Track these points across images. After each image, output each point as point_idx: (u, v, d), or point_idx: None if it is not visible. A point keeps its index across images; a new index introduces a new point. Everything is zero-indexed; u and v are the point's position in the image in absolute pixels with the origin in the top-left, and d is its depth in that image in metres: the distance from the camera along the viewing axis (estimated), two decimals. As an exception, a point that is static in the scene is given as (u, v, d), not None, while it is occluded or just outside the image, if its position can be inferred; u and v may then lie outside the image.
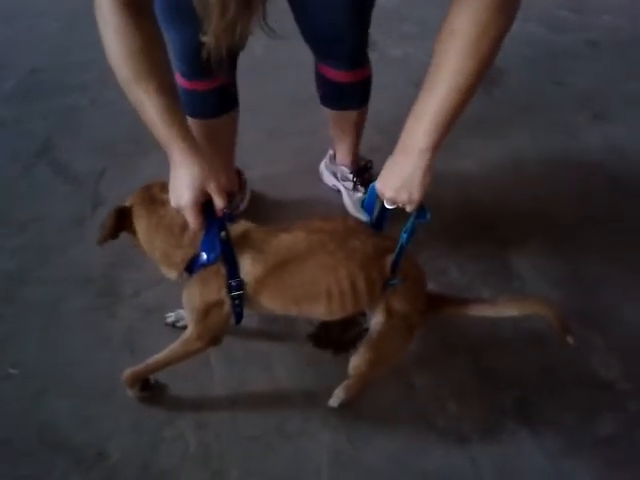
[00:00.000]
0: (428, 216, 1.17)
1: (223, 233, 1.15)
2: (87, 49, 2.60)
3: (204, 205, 1.13)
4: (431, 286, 1.70)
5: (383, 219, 1.27)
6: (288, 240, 1.22)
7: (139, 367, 1.42)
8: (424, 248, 1.91)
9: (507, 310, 1.40)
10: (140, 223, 1.23)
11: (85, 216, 1.94)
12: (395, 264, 1.22)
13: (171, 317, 1.64)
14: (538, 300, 1.42)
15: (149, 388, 1.49)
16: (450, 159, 2.31)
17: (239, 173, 1.98)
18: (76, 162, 2.13)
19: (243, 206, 1.97)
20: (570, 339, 1.30)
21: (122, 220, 1.23)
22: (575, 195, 2.23)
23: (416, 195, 1.12)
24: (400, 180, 1.12)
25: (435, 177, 2.18)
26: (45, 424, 1.44)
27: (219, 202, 1.11)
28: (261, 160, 2.19)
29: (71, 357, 1.58)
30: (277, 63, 2.65)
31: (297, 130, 2.35)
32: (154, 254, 1.25)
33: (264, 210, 2.00)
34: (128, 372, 1.44)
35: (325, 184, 2.14)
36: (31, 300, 1.69)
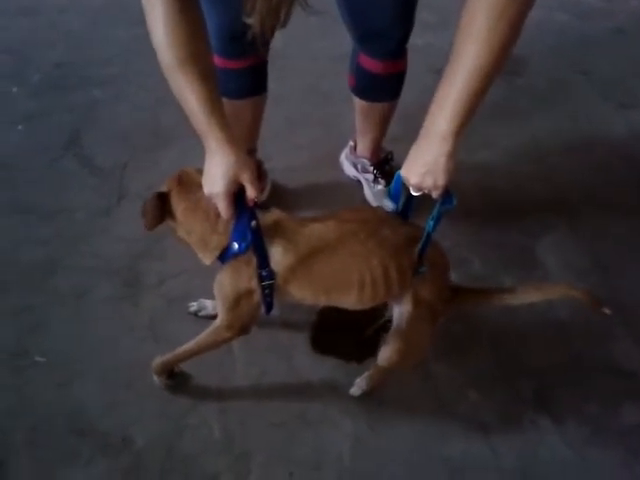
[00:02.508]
0: (454, 202, 1.17)
1: (254, 223, 1.16)
2: (110, 44, 2.67)
3: (236, 194, 1.14)
4: (453, 276, 1.71)
5: (410, 207, 1.28)
6: (319, 230, 1.23)
7: (168, 356, 1.45)
8: (445, 238, 1.90)
9: (529, 297, 1.39)
10: (178, 207, 1.23)
11: (110, 207, 1.97)
12: (422, 251, 1.23)
13: (194, 306, 1.66)
14: (562, 284, 1.41)
15: (174, 376, 1.52)
16: (471, 148, 2.29)
17: (259, 164, 1.99)
18: (101, 154, 2.16)
19: (264, 197, 1.98)
20: (607, 310, 1.30)
21: (163, 205, 1.23)
22: (598, 184, 2.20)
23: (441, 180, 1.12)
24: (424, 166, 1.12)
25: (456, 164, 2.18)
26: (71, 411, 1.48)
27: (251, 192, 1.13)
28: (282, 151, 2.20)
29: (97, 345, 1.61)
30: (296, 55, 2.65)
31: (317, 121, 2.35)
32: (191, 238, 1.25)
33: (285, 201, 2.01)
34: (158, 361, 1.46)
35: (346, 175, 2.14)
36: (58, 290, 1.73)
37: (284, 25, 1.32)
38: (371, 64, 1.68)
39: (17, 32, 2.76)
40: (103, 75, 2.50)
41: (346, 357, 1.61)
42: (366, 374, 1.51)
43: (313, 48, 2.75)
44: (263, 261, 1.20)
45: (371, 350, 1.56)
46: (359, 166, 2.05)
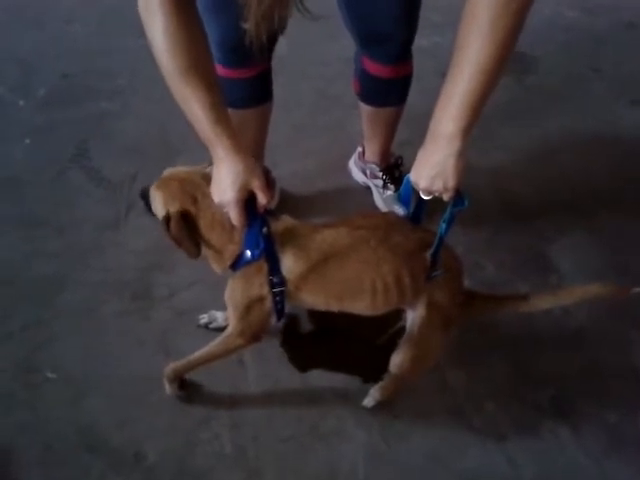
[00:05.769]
0: (467, 203, 1.15)
1: (265, 229, 1.15)
2: (116, 54, 2.67)
3: (247, 202, 1.13)
4: (467, 282, 1.68)
5: (421, 211, 1.26)
6: (330, 236, 1.22)
7: (180, 363, 1.44)
8: (458, 243, 1.88)
9: (545, 302, 1.37)
10: (199, 223, 1.20)
11: (119, 220, 1.96)
12: (435, 255, 1.21)
13: (204, 319, 1.65)
14: (577, 287, 1.37)
15: (186, 387, 1.51)
16: (482, 149, 2.26)
17: (267, 171, 1.97)
18: (109, 166, 2.16)
19: (273, 204, 1.97)
20: (636, 288, 1.28)
21: (187, 225, 1.19)
22: (612, 183, 2.16)
23: (451, 182, 1.10)
24: (433, 169, 1.10)
25: (468, 167, 2.15)
26: (83, 427, 1.47)
27: (262, 199, 1.12)
28: (290, 157, 2.18)
29: (107, 360, 1.60)
30: (302, 61, 2.63)
31: (325, 127, 2.33)
32: (208, 250, 1.23)
33: (294, 207, 1.99)
34: (170, 368, 1.46)
35: (355, 181, 2.12)
36: (68, 304, 1.72)
37: (282, 30, 1.31)
38: (376, 68, 1.66)
39: (23, 44, 2.77)
40: (110, 86, 2.49)
41: (360, 370, 1.59)
42: (380, 384, 1.48)
43: (321, 52, 2.72)
44: (275, 268, 1.19)
45: (386, 359, 1.54)
46: (368, 172, 2.03)
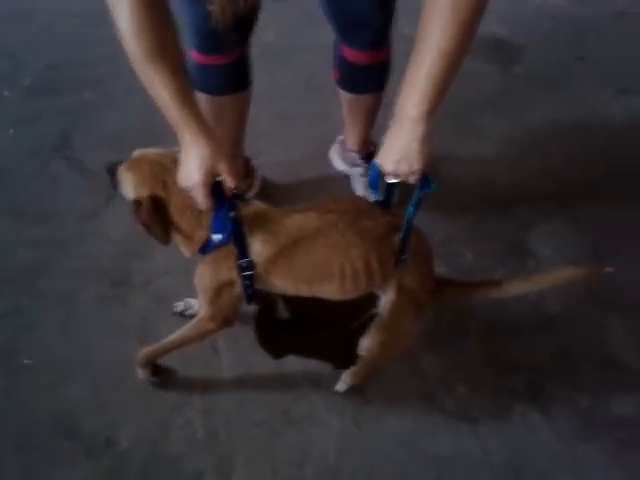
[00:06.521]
0: (433, 186, 1.15)
1: (233, 213, 1.15)
2: (101, 45, 2.63)
3: (214, 186, 1.13)
4: (445, 269, 1.70)
5: (391, 196, 1.26)
6: (299, 221, 1.22)
7: (152, 347, 1.45)
8: (438, 232, 1.89)
9: (517, 288, 1.37)
10: (170, 208, 1.20)
11: (99, 208, 1.97)
12: (404, 239, 1.21)
13: (179, 306, 1.66)
14: (551, 272, 1.37)
15: (159, 373, 1.52)
16: (466, 139, 2.27)
17: (247, 160, 1.98)
18: (91, 156, 2.16)
19: (253, 192, 1.97)
20: (609, 268, 1.33)
21: (158, 211, 1.19)
22: (596, 172, 2.16)
23: (416, 165, 1.11)
24: (398, 152, 1.10)
25: (450, 157, 2.14)
26: (59, 413, 1.48)
27: (229, 182, 1.13)
28: (273, 146, 2.19)
29: (84, 346, 1.61)
30: (288, 49, 2.63)
31: (309, 115, 2.33)
32: (178, 235, 1.24)
33: (276, 195, 2.01)
34: (141, 352, 1.46)
35: (335, 169, 2.12)
36: (47, 292, 1.73)
37: (253, 15, 1.30)
38: (353, 55, 1.65)
39: (9, 36, 2.77)
40: (94, 76, 2.50)
41: (332, 356, 1.59)
42: (351, 369, 1.49)
43: (307, 41, 2.70)
44: (243, 251, 1.19)
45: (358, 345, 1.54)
46: (348, 160, 2.03)
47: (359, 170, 1.99)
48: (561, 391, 1.53)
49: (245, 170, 1.96)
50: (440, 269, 1.55)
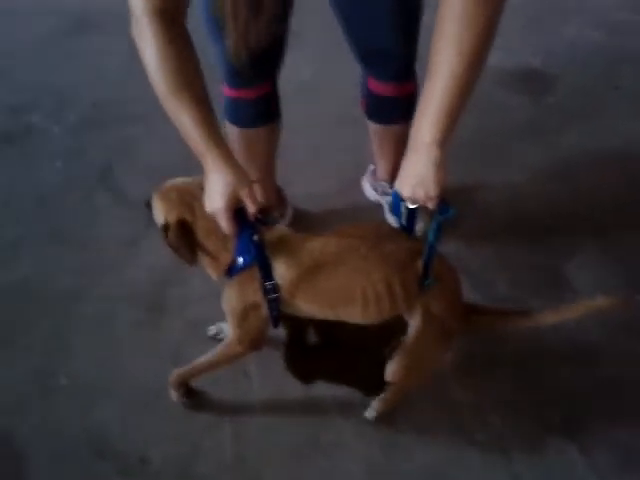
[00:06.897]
0: (451, 211, 1.17)
1: (256, 237, 1.18)
2: (142, 82, 2.78)
3: (237, 211, 1.17)
4: (478, 297, 1.69)
5: (413, 221, 1.28)
6: (321, 244, 1.25)
7: (184, 369, 1.49)
8: (471, 260, 1.89)
9: (548, 319, 1.35)
10: (197, 232, 1.25)
11: (139, 237, 2.04)
12: (426, 264, 1.22)
13: (212, 330, 1.69)
14: (580, 303, 1.35)
15: (192, 395, 1.54)
16: (499, 168, 2.27)
17: (279, 189, 2.02)
18: (132, 188, 2.25)
19: (285, 222, 2.01)
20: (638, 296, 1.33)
21: (186, 234, 1.24)
22: (629, 201, 2.13)
23: (432, 191, 1.13)
24: (414, 178, 1.13)
25: (482, 185, 2.15)
26: (93, 432, 1.52)
27: (251, 207, 1.16)
28: (305, 177, 2.23)
29: (119, 369, 1.65)
30: (324, 85, 2.70)
31: (342, 147, 2.37)
32: (205, 258, 1.28)
33: (308, 226, 2.03)
34: (174, 373, 1.50)
35: (367, 198, 2.14)
36: (86, 316, 1.79)
37: (270, 49, 1.37)
38: (379, 87, 1.69)
39: (61, 74, 2.94)
40: (136, 112, 2.61)
41: (362, 382, 1.58)
42: (381, 396, 1.48)
43: (340, 78, 2.78)
44: (267, 274, 1.22)
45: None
46: (379, 189, 2.05)
47: (389, 199, 2.01)
48: (599, 425, 1.49)
49: (277, 199, 2.01)
50: (472, 297, 1.55)
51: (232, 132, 1.76)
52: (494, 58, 3.19)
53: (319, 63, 2.79)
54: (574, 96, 2.65)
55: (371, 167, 2.11)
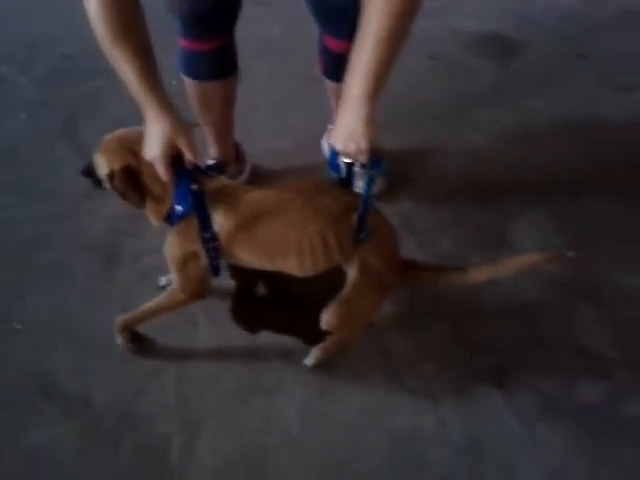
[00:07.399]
0: (383, 165, 1.21)
1: (194, 186, 1.22)
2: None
3: (175, 159, 1.20)
4: (421, 255, 1.74)
5: (351, 175, 1.31)
6: (259, 196, 1.29)
7: (130, 315, 1.54)
8: (420, 221, 1.93)
9: (483, 274, 1.41)
10: (141, 175, 1.28)
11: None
12: (361, 218, 1.26)
13: (163, 281, 1.73)
14: (514, 258, 1.41)
15: (138, 340, 1.59)
16: (459, 131, 2.30)
17: (237, 145, 2.05)
18: (95, 140, 2.22)
19: (243, 177, 2.04)
20: (570, 253, 1.42)
21: (132, 180, 1.27)
22: (587, 168, 2.17)
23: (363, 144, 1.18)
24: (345, 132, 1.18)
25: (438, 149, 2.18)
26: (41, 374, 1.57)
27: (188, 156, 1.20)
28: (266, 135, 2.26)
29: (72, 316, 1.70)
30: (291, 45, 2.68)
31: (305, 106, 2.38)
32: (149, 204, 1.32)
33: (266, 182, 2.07)
34: (120, 319, 1.54)
35: (325, 157, 2.17)
36: (42, 264, 1.83)
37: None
38: (335, 45, 1.71)
39: (30, 26, 2.91)
40: (102, 66, 2.57)
41: (304, 332, 1.64)
42: (320, 345, 1.54)
43: (308, 38, 2.77)
44: (205, 223, 1.26)
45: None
46: (337, 149, 2.08)
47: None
48: (527, 376, 1.56)
49: (235, 155, 2.03)
50: (416, 255, 1.60)
51: (187, 84, 1.78)
52: (463, 22, 3.20)
53: (288, 22, 2.78)
54: (541, 63, 2.67)
55: (330, 127, 2.13)
